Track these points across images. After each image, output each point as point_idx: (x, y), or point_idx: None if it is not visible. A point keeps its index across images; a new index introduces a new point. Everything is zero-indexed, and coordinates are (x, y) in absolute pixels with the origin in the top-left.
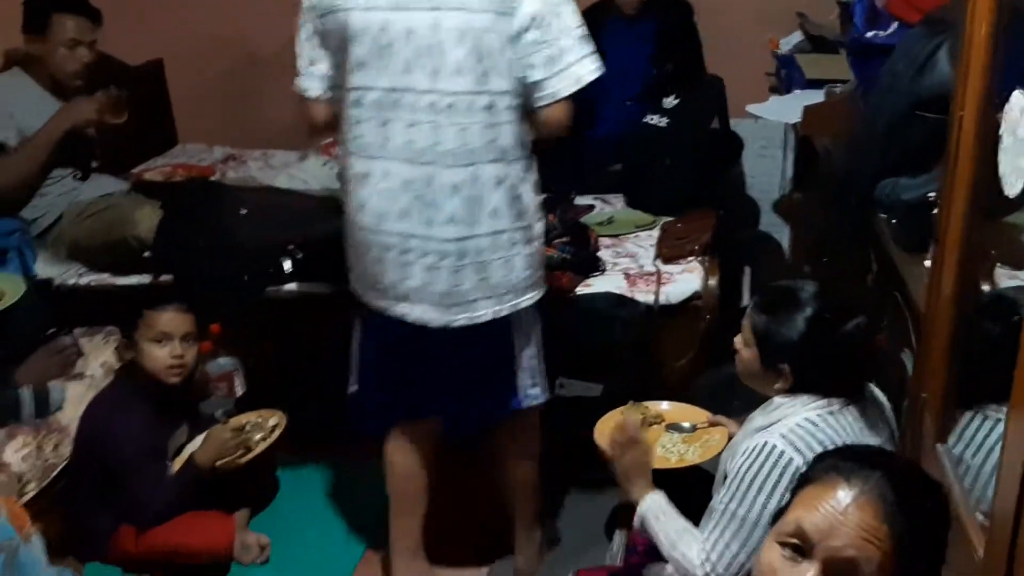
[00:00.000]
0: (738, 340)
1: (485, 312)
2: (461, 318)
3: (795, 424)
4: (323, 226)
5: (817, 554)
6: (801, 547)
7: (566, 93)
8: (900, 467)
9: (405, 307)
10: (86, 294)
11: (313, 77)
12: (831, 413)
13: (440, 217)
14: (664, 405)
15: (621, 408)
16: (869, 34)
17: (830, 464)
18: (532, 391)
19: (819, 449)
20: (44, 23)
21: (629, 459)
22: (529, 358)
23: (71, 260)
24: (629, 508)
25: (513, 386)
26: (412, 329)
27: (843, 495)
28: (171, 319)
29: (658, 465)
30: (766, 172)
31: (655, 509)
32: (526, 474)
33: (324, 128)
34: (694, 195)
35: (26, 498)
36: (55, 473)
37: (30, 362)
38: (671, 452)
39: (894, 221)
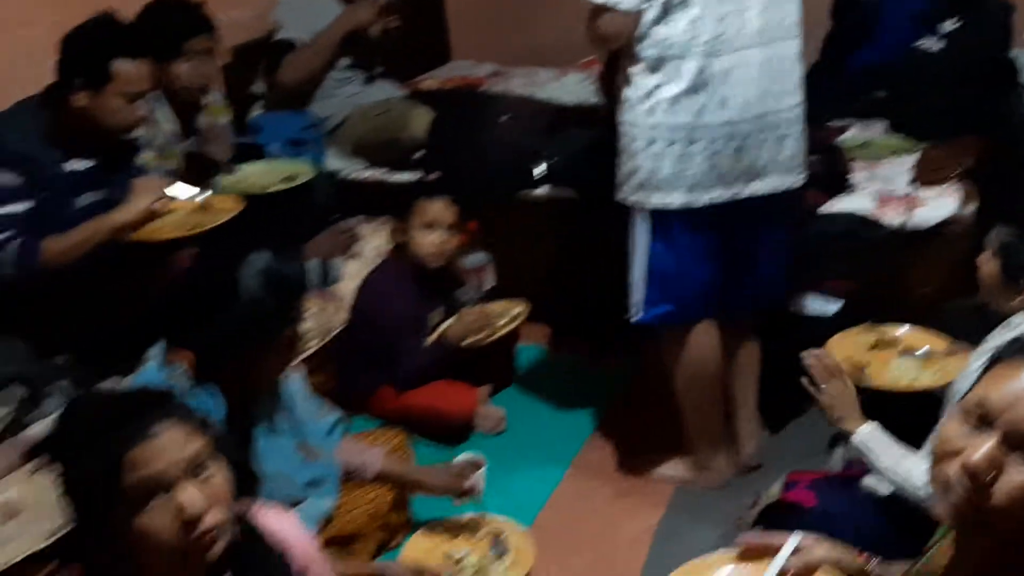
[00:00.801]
0: (984, 254)
1: (797, 179)
2: (798, 178)
3: None
4: (575, 136)
5: (998, 425)
6: (983, 419)
7: None
8: None
9: (757, 184)
10: (365, 187)
11: None
12: None
13: (786, 88)
14: (902, 329)
15: (857, 328)
16: None
17: (1021, 345)
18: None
19: None
20: None
21: (831, 392)
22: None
23: (355, 156)
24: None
25: (783, 274)
26: (716, 219)
27: None
28: (439, 209)
29: (887, 387)
30: None
31: (868, 440)
32: (755, 363)
33: (614, 40)
34: (962, 123)
35: (307, 353)
36: (332, 336)
37: (317, 240)
38: (902, 375)
39: None
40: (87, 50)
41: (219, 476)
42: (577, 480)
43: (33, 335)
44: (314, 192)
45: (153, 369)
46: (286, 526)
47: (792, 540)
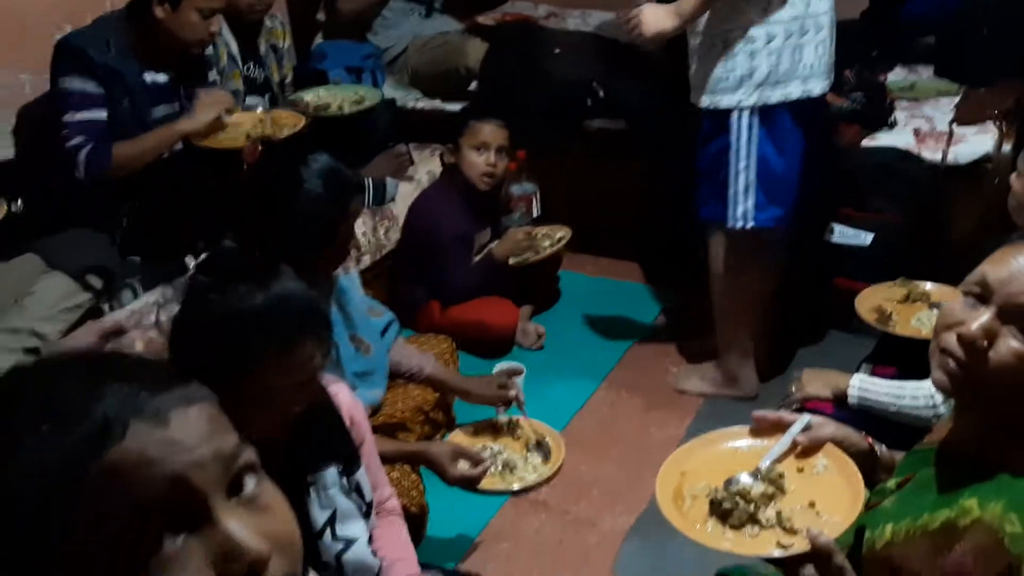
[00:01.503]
0: (1015, 174)
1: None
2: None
3: None
4: (628, 69)
5: (995, 300)
6: (982, 295)
7: None
8: None
9: (827, 81)
10: (421, 115)
11: None
12: None
13: None
14: (930, 285)
15: (890, 283)
16: None
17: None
18: None
19: None
20: None
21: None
22: None
23: (412, 85)
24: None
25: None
26: (812, 117)
27: None
28: (491, 131)
29: (911, 335)
30: None
31: (864, 383)
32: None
33: None
34: (1004, 68)
35: (362, 266)
36: (385, 252)
37: (374, 162)
38: (926, 325)
39: None
40: None
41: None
42: (610, 392)
43: (112, 231)
44: (374, 117)
45: None
46: (350, 402)
47: (803, 419)
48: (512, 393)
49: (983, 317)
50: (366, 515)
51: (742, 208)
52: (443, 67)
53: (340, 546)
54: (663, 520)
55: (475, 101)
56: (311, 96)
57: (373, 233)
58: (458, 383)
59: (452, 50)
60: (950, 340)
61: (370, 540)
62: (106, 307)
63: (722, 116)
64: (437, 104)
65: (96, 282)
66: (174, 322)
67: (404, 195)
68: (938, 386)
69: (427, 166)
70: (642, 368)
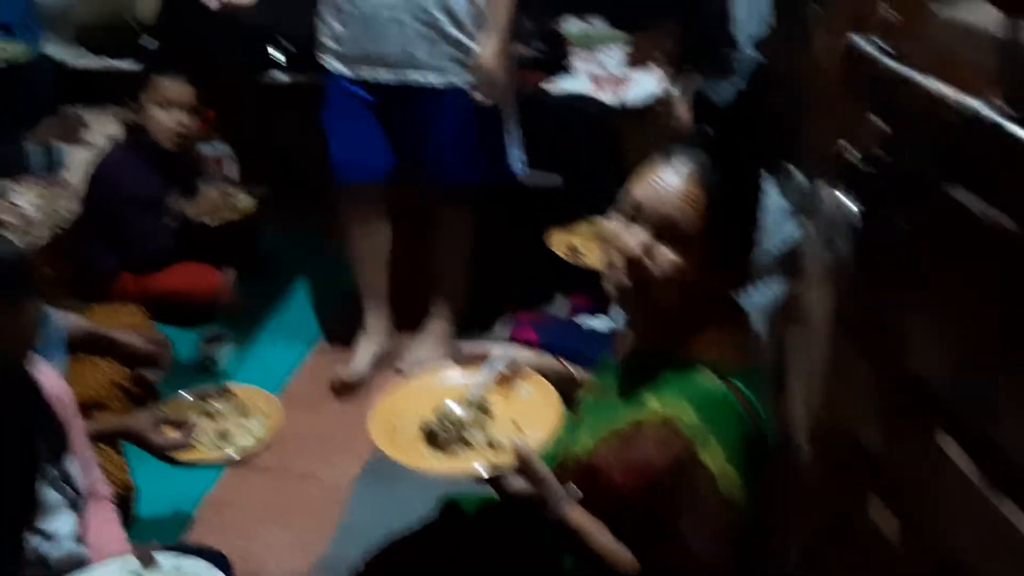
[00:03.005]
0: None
1: None
2: None
3: None
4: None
5: (644, 217)
6: (634, 216)
7: None
8: (720, 150)
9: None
10: (89, 75)
11: None
12: None
13: None
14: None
15: (579, 223)
16: None
17: (661, 151)
18: None
19: None
20: None
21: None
22: None
23: (77, 42)
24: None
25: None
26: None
27: (665, 169)
28: (175, 88)
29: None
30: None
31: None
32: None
33: None
34: (666, 14)
35: (40, 243)
36: (63, 225)
37: (40, 126)
38: None
39: None
40: None
41: None
42: (324, 349)
43: None
44: (34, 78)
45: None
46: (56, 383)
47: (502, 348)
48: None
49: (639, 235)
50: (75, 506)
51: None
52: (110, 20)
53: (42, 541)
54: (387, 466)
55: (155, 56)
56: None
57: (49, 204)
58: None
59: (120, 0)
60: (615, 257)
61: (79, 531)
62: None
63: None
64: (107, 62)
65: None
66: None
67: (81, 162)
68: (611, 298)
69: (105, 129)
70: (356, 321)
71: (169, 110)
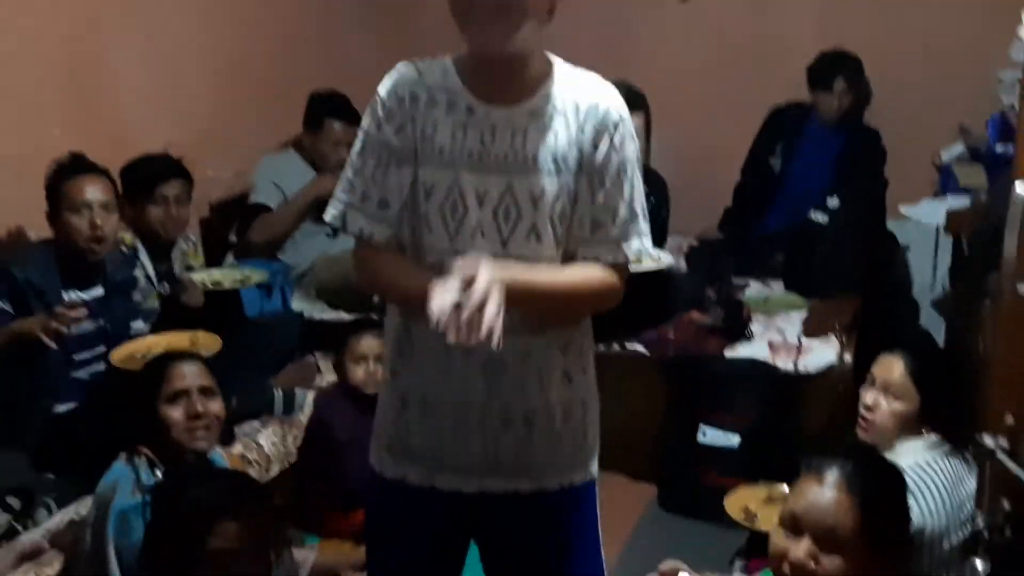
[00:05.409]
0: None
1: None
2: None
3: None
4: None
5: (807, 528)
6: (795, 527)
7: None
8: (862, 455)
9: None
10: (326, 326)
11: None
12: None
13: None
14: (786, 488)
15: (755, 486)
16: (999, 148)
17: (807, 463)
18: None
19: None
20: (318, 124)
21: None
22: None
23: (318, 299)
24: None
25: None
26: None
27: (818, 481)
28: (368, 342)
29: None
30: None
31: None
32: None
33: None
34: (845, 284)
35: (271, 476)
36: (291, 461)
37: (283, 372)
38: None
39: None
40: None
41: None
42: None
43: (25, 449)
44: (282, 330)
45: (120, 465)
46: None
47: None
48: None
49: (803, 545)
50: None
51: None
52: (345, 280)
53: None
54: None
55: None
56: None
57: (282, 442)
58: None
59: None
60: (785, 569)
61: None
62: (21, 527)
63: None
64: (341, 316)
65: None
66: None
67: (311, 404)
68: None
69: (332, 375)
70: None
71: (361, 363)
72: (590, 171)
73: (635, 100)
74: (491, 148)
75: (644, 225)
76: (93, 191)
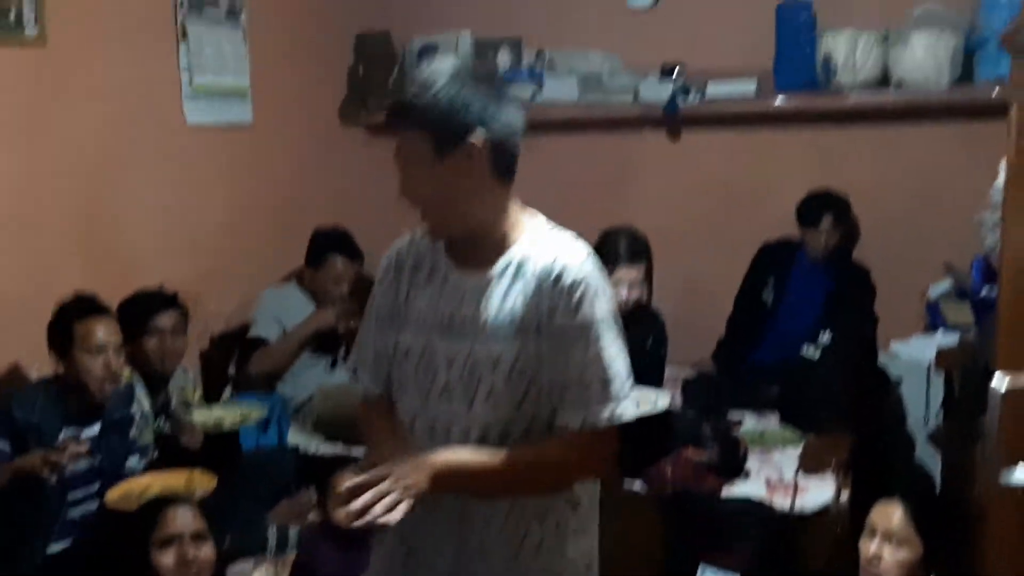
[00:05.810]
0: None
1: None
2: None
3: None
4: None
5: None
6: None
7: None
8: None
9: None
10: (324, 460)
11: None
12: None
13: None
14: None
15: None
16: (983, 291)
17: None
18: None
19: None
20: (321, 259)
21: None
22: None
23: (315, 431)
24: None
25: None
26: None
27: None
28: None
29: None
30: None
31: None
32: None
33: None
34: (839, 420)
35: None
36: None
37: (278, 508)
38: None
39: None
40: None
41: None
42: None
43: None
44: (278, 465)
45: None
46: None
47: None
48: None
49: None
50: None
51: None
52: (345, 412)
53: None
54: None
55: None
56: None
57: None
58: None
59: (354, 400)
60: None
61: None
62: None
63: None
64: (339, 449)
65: None
66: None
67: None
68: None
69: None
70: None
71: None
72: (549, 335)
73: (638, 248)
74: (459, 313)
75: (618, 387)
76: (106, 333)
